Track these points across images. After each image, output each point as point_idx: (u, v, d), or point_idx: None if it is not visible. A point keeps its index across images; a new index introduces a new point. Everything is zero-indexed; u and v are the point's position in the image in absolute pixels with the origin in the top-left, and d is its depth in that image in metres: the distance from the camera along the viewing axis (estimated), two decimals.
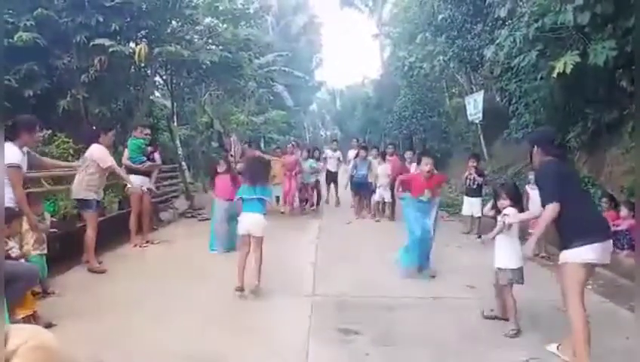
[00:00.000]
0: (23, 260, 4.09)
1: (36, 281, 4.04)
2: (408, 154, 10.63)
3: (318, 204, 11.67)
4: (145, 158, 7.59)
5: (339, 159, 12.41)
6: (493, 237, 4.15)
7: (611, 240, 3.44)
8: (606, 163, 7.63)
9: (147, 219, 7.69)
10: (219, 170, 7.36)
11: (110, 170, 6.13)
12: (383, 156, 10.69)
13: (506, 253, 4.09)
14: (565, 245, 3.39)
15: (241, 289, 4.87)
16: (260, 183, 5.09)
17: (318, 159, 11.76)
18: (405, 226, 5.82)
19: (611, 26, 6.30)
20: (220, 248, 6.97)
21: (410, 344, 3.83)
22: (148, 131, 7.96)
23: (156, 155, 7.97)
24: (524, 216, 4.14)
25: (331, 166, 12.21)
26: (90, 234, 5.87)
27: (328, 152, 12.51)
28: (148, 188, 7.63)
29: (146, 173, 7.65)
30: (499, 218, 4.16)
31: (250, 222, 4.97)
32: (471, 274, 5.60)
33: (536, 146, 3.70)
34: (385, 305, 4.71)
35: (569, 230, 3.36)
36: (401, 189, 6.15)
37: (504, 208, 4.15)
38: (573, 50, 6.57)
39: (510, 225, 4.03)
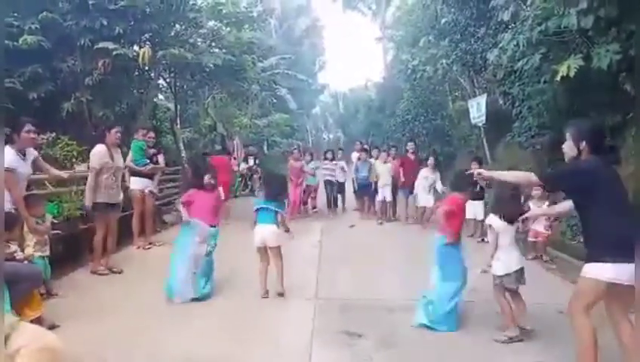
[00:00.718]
0: (26, 263, 4.10)
1: (40, 282, 4.06)
2: (410, 145, 10.71)
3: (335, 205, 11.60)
4: (148, 160, 7.56)
5: (342, 168, 11.90)
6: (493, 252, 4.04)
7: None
8: None
9: (150, 221, 7.72)
10: (206, 181, 5.37)
11: (95, 173, 5.78)
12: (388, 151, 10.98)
13: (497, 258, 4.02)
14: (590, 257, 3.05)
15: (266, 295, 5.00)
16: (277, 198, 5.14)
17: (333, 159, 11.52)
18: (437, 275, 4.30)
19: (615, 30, 6.29)
20: (182, 294, 4.82)
21: (414, 347, 3.83)
22: (152, 134, 7.93)
23: (160, 158, 7.96)
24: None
25: (339, 177, 11.74)
26: (97, 238, 5.82)
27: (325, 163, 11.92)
28: (150, 191, 7.62)
29: (149, 176, 7.63)
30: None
31: (264, 233, 5.00)
32: (474, 276, 5.58)
33: (585, 142, 3.15)
34: (388, 308, 4.70)
35: (597, 240, 3.03)
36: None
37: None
38: (576, 54, 6.55)
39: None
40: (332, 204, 11.45)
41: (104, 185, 5.84)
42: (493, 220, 4.05)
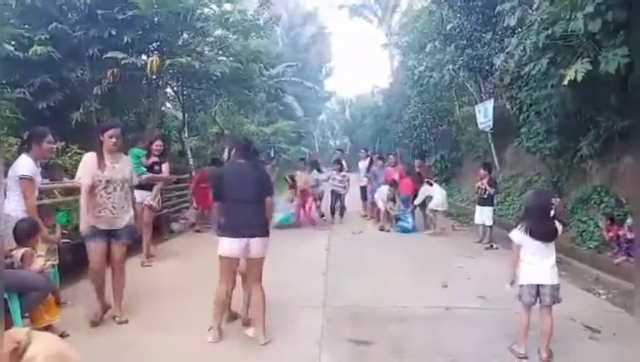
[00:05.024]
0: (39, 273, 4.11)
1: (49, 290, 4.08)
2: (417, 162, 11.13)
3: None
4: (144, 169, 6.91)
5: (348, 181, 11.73)
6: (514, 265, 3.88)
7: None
8: (619, 171, 7.55)
9: (148, 236, 7.09)
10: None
11: (85, 189, 4.37)
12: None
13: (519, 270, 3.82)
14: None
15: None
16: None
17: (341, 170, 11.54)
18: None
19: (623, 33, 6.25)
20: None
21: (422, 355, 3.80)
22: (160, 143, 7.42)
23: (164, 167, 7.29)
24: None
25: (342, 190, 11.60)
26: (89, 273, 4.63)
27: (333, 173, 11.77)
28: (149, 204, 6.95)
29: (147, 186, 6.92)
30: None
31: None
32: (482, 284, 5.56)
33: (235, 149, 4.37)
34: (396, 316, 4.68)
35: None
36: None
37: None
38: (584, 58, 6.51)
39: None
40: (334, 211, 11.70)
41: (93, 204, 4.40)
42: (514, 234, 3.79)
